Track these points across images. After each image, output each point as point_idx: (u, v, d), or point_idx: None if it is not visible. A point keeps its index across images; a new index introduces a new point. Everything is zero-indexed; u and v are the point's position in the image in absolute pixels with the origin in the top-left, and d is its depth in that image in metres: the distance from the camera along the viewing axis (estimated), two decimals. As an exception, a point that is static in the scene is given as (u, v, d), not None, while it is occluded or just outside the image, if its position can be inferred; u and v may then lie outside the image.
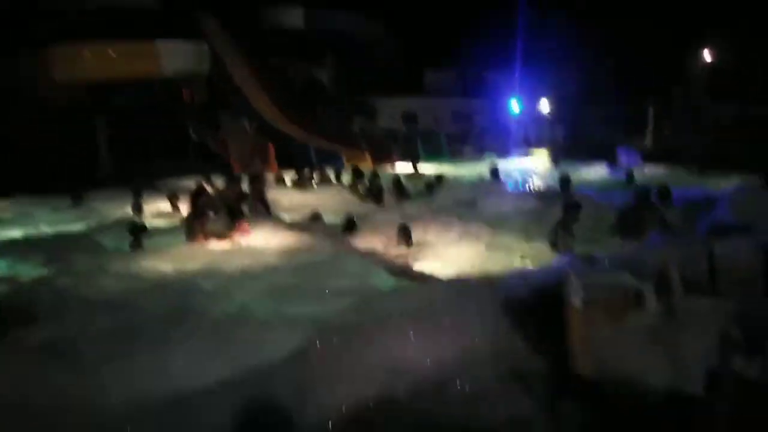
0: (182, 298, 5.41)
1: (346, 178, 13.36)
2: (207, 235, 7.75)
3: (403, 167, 16.23)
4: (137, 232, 7.73)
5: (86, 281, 6.15)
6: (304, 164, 15.11)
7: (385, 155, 17.26)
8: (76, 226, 9.21)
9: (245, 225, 7.97)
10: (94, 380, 3.84)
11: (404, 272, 6.46)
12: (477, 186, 11.99)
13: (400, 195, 11.47)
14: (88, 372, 3.95)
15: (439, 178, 12.60)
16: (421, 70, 24.02)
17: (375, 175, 12.79)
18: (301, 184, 13.17)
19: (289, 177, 13.78)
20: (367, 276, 6.32)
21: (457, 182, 12.87)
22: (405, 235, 7.48)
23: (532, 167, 15.77)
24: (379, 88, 22.08)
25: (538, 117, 21.06)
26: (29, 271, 6.64)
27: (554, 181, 11.33)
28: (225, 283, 5.97)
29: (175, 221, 9.33)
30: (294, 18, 21.42)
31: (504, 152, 18.98)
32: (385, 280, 6.17)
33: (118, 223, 8.70)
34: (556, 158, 16.37)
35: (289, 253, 7.14)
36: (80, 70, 15.66)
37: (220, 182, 11.39)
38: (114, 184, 13.91)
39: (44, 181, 12.84)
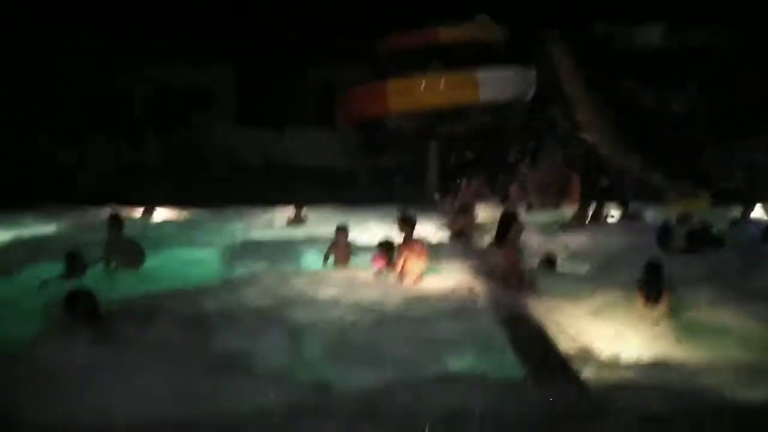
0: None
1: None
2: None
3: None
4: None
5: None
6: (614, 200, 12.96)
7: (731, 196, 13.22)
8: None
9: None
10: None
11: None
12: None
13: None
14: None
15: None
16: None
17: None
18: (581, 222, 11.17)
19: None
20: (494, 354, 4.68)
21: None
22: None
23: None
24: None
25: None
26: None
27: None
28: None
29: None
30: (651, 35, 18.59)
31: None
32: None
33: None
34: None
35: (429, 300, 5.94)
36: (410, 100, 16.90)
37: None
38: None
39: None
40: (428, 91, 16.67)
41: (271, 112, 19.76)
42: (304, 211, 11.45)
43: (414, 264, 6.76)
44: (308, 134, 19.41)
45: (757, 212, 12.04)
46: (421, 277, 6.69)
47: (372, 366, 4.25)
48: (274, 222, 11.22)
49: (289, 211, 11.36)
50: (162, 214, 12.12)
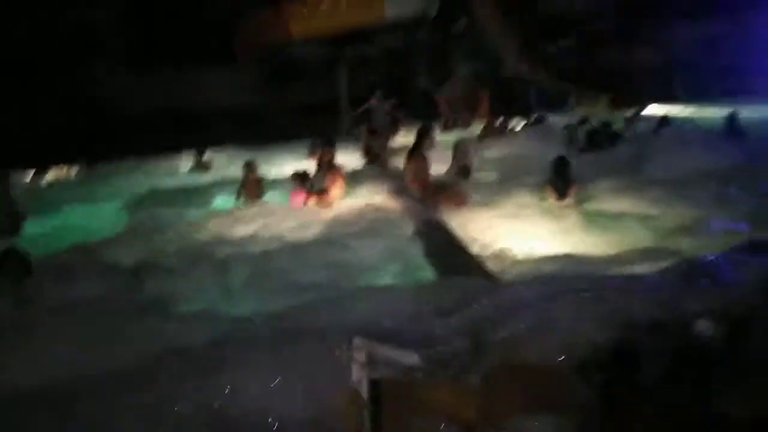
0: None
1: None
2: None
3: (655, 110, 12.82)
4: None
5: None
6: (522, 109, 13.34)
7: (628, 97, 13.88)
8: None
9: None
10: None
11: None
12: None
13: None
14: None
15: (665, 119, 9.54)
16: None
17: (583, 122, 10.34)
18: (489, 134, 11.41)
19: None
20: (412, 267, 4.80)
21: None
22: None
23: None
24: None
25: None
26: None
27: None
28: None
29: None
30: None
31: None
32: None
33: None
34: None
35: (348, 220, 5.95)
36: (311, 23, 16.28)
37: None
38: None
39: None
40: (331, 11, 16.10)
41: (166, 52, 18.48)
42: (207, 155, 11.05)
43: (334, 190, 6.77)
44: (210, 72, 18.37)
45: (650, 110, 12.77)
46: (339, 201, 6.69)
47: (293, 292, 4.24)
48: (179, 169, 10.74)
49: (191, 158, 10.91)
50: (56, 173, 11.32)
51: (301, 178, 7.07)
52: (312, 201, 6.74)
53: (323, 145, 7.89)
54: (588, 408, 2.09)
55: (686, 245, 4.61)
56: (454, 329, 2.21)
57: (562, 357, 2.09)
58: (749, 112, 10.24)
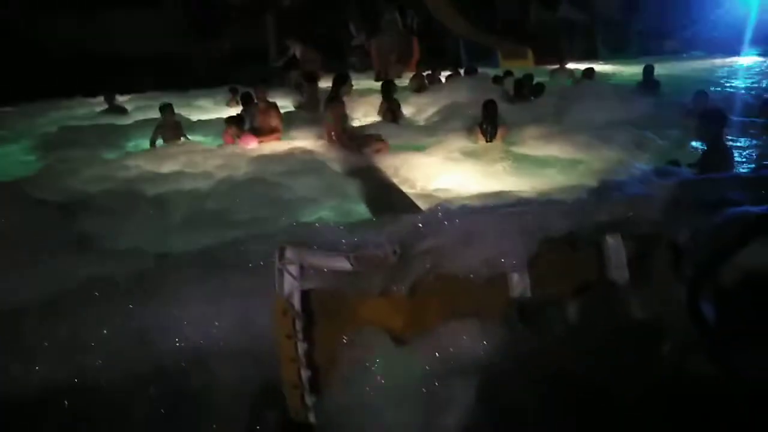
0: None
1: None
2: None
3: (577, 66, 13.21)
4: None
5: None
6: (452, 63, 13.43)
7: (552, 52, 14.25)
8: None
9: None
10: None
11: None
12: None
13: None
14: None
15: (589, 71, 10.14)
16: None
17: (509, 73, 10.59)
18: (420, 86, 11.45)
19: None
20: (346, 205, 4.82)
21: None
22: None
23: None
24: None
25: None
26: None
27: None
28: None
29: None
30: None
31: (730, 51, 14.44)
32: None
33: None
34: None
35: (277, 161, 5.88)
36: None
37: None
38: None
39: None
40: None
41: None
42: (123, 98, 10.56)
43: (268, 128, 6.83)
44: (128, 16, 17.25)
45: (573, 66, 13.18)
46: (272, 140, 6.66)
47: (228, 228, 4.19)
48: (92, 112, 10.21)
49: (104, 100, 10.39)
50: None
51: (236, 120, 7.01)
52: (260, 140, 6.74)
53: (258, 84, 7.86)
54: (509, 316, 2.21)
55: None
56: (383, 238, 2.25)
57: (485, 268, 2.19)
58: (663, 70, 10.82)
